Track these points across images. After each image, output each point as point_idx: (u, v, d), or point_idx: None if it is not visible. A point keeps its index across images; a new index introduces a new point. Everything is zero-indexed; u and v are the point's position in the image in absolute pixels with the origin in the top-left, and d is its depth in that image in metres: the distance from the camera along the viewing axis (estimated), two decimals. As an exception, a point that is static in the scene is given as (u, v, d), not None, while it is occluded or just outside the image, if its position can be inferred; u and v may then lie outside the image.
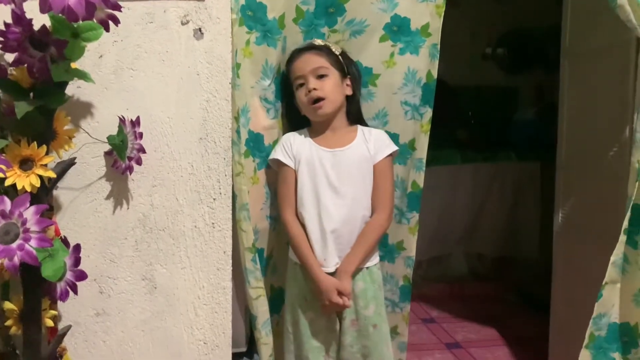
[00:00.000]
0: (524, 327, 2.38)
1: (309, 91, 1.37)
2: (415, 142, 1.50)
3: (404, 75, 1.47)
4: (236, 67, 1.31)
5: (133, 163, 1.19)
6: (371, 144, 1.41)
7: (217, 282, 1.29)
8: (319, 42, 1.43)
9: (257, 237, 1.46)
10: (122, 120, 1.16)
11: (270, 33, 1.41)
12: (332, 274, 1.37)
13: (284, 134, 1.50)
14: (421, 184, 1.51)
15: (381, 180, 1.41)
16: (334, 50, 1.42)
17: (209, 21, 1.24)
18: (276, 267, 1.58)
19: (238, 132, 1.33)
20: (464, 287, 2.90)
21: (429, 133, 1.49)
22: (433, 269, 2.95)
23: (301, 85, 1.39)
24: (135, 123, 1.18)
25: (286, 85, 1.46)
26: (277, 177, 1.45)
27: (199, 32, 1.24)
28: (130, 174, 1.21)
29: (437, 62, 1.45)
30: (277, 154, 1.42)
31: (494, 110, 3.42)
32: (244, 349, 1.58)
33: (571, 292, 1.81)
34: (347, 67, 1.43)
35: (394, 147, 1.44)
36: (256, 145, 1.44)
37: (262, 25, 1.39)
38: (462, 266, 3.09)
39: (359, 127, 1.45)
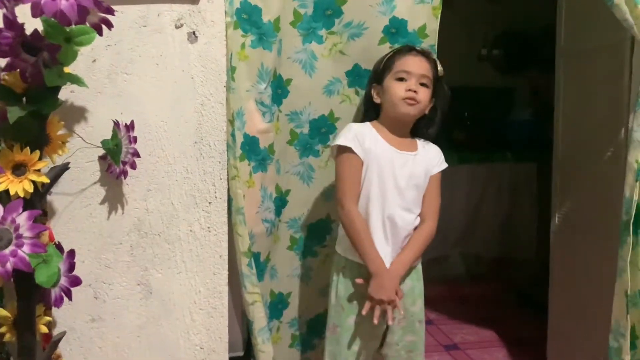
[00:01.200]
0: (522, 328, 2.38)
1: (409, 90, 1.36)
2: None
3: None
4: (231, 70, 1.31)
5: (127, 167, 1.18)
6: (431, 155, 1.44)
7: (213, 287, 1.29)
8: (432, 54, 1.43)
9: (253, 241, 1.45)
10: (116, 125, 1.15)
11: (265, 36, 1.40)
12: None
13: (276, 135, 1.50)
14: None
15: (434, 191, 1.44)
16: (439, 69, 1.42)
17: (203, 24, 1.24)
18: (276, 272, 1.57)
19: (233, 135, 1.32)
20: (461, 288, 2.90)
21: None
22: (430, 271, 2.92)
23: (402, 79, 1.37)
24: (130, 127, 1.17)
25: (379, 70, 1.42)
26: (338, 163, 1.41)
27: (193, 36, 1.23)
28: (125, 178, 1.20)
29: None
30: (349, 142, 1.37)
31: (490, 111, 3.42)
32: (240, 354, 1.57)
33: (569, 292, 1.81)
34: (438, 89, 1.43)
35: (446, 164, 1.47)
36: (252, 148, 1.44)
37: (257, 29, 1.39)
38: (460, 267, 3.09)
39: (417, 138, 1.46)
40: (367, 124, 1.43)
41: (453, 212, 2.97)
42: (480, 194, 3.06)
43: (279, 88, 1.49)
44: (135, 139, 1.18)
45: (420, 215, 1.42)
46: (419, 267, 1.47)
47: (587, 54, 1.73)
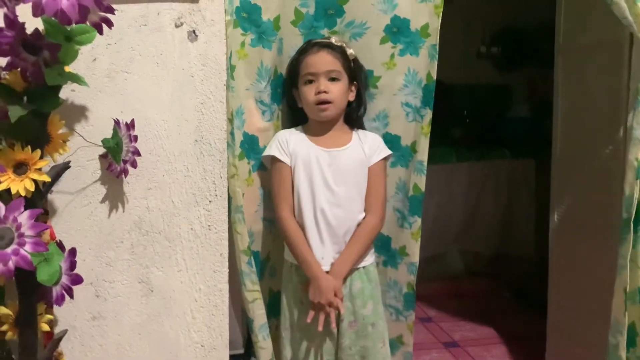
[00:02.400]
0: (521, 325, 2.38)
1: (319, 92, 1.36)
2: (416, 144, 1.50)
3: (405, 76, 1.47)
4: (231, 69, 1.31)
5: (128, 166, 1.18)
6: (366, 146, 1.42)
7: (213, 285, 1.29)
8: (337, 41, 1.41)
9: (253, 239, 1.46)
10: (116, 123, 1.15)
11: (265, 35, 1.41)
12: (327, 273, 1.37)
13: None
14: (422, 187, 1.51)
15: (375, 183, 1.41)
16: (349, 54, 1.41)
17: (203, 23, 1.24)
18: (275, 270, 1.57)
19: (232, 134, 1.33)
20: (460, 285, 2.91)
21: (429, 135, 1.49)
22: (429, 268, 2.94)
23: (310, 81, 1.38)
24: (130, 126, 1.17)
25: (291, 75, 1.44)
26: (271, 174, 1.44)
27: (193, 34, 1.23)
28: (126, 176, 1.20)
29: (436, 62, 1.45)
30: (273, 150, 1.40)
31: (488, 108, 3.43)
32: (241, 352, 1.58)
33: (567, 289, 1.82)
34: (356, 73, 1.43)
35: (388, 152, 1.45)
36: (251, 147, 1.44)
37: (256, 27, 1.39)
38: (458, 264, 3.10)
39: (355, 129, 1.45)
40: (293, 128, 1.45)
41: (451, 209, 2.98)
42: (478, 191, 3.07)
43: (280, 87, 1.49)
44: (135, 138, 1.18)
45: (365, 208, 1.41)
46: (371, 267, 1.44)
47: (585, 50, 1.73)
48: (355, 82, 1.43)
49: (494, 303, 2.71)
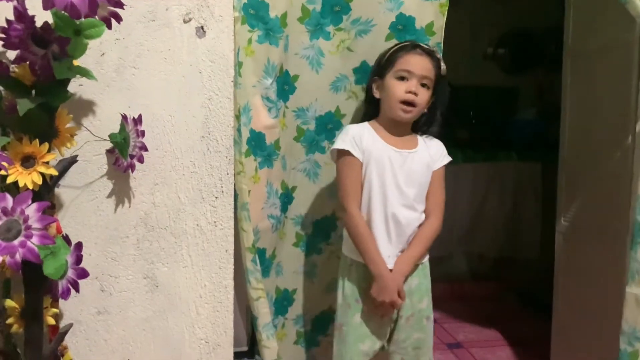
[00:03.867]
0: (525, 328, 2.38)
1: (409, 91, 1.35)
2: None
3: None
4: (238, 65, 1.31)
5: (135, 161, 1.18)
6: (432, 151, 1.44)
7: (218, 281, 1.29)
8: (437, 53, 1.42)
9: (259, 237, 1.45)
10: (124, 118, 1.15)
11: (272, 31, 1.40)
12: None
13: (282, 131, 1.50)
14: None
15: (437, 187, 1.44)
16: (442, 69, 1.41)
17: (211, 19, 1.24)
18: (282, 268, 1.57)
19: (239, 130, 1.33)
20: (464, 287, 2.90)
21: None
22: (434, 270, 2.93)
23: (403, 78, 1.37)
24: (137, 121, 1.17)
25: (382, 64, 1.42)
26: (339, 167, 1.42)
27: (201, 30, 1.23)
28: (132, 172, 1.20)
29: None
30: (347, 145, 1.38)
31: (495, 110, 3.42)
32: (245, 349, 1.58)
33: (573, 293, 1.81)
34: (438, 88, 1.43)
35: (449, 158, 1.47)
36: (257, 144, 1.44)
37: (264, 24, 1.39)
38: (463, 266, 3.09)
39: (419, 134, 1.46)
40: (365, 124, 1.43)
41: (457, 211, 2.96)
42: (484, 193, 3.06)
43: (286, 84, 1.49)
44: (142, 133, 1.18)
45: (424, 211, 1.42)
46: (426, 263, 1.46)
47: (594, 53, 1.72)
48: (433, 95, 1.43)
49: (498, 305, 2.70)
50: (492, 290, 2.88)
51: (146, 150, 1.20)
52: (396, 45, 1.42)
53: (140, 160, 1.19)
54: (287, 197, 1.56)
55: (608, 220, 1.61)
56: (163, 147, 1.24)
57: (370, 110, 1.46)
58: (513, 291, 2.84)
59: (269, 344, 1.44)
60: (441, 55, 1.45)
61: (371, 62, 1.48)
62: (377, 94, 1.42)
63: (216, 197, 1.27)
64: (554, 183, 1.92)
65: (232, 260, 1.30)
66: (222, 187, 1.27)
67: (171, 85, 1.23)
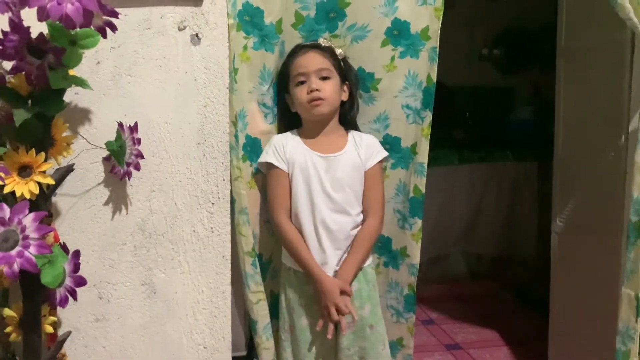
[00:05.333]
0: (523, 327, 2.38)
1: (311, 90, 1.36)
2: (416, 146, 1.50)
3: (405, 78, 1.48)
4: (234, 72, 1.32)
5: (131, 168, 1.19)
6: (362, 150, 1.42)
7: (216, 287, 1.30)
8: (324, 42, 1.43)
9: (256, 241, 1.46)
10: (120, 126, 1.16)
11: (267, 38, 1.41)
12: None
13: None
14: (423, 189, 1.51)
15: (372, 186, 1.42)
16: (338, 53, 1.42)
17: (206, 27, 1.24)
18: (276, 273, 1.58)
19: (236, 136, 1.33)
20: (462, 287, 2.91)
21: (429, 137, 1.49)
22: (432, 270, 2.95)
23: (301, 82, 1.38)
24: (133, 129, 1.18)
25: (282, 79, 1.44)
26: (267, 180, 1.44)
27: (196, 38, 1.24)
28: (129, 179, 1.21)
29: (436, 65, 1.45)
30: (270, 157, 1.40)
31: (491, 110, 3.43)
32: (243, 353, 1.58)
33: (570, 292, 1.82)
34: (347, 73, 1.44)
35: (384, 153, 1.45)
36: (254, 149, 1.44)
37: (259, 30, 1.40)
38: (461, 266, 3.10)
39: (350, 132, 1.46)
40: (290, 132, 1.44)
41: (454, 211, 2.98)
42: (481, 193, 3.07)
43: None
44: (139, 141, 1.19)
45: (363, 212, 1.41)
46: (368, 269, 1.44)
47: (587, 52, 1.73)
48: (347, 82, 1.44)
49: (496, 305, 2.71)
50: (490, 289, 2.89)
51: (142, 157, 1.20)
52: (285, 57, 1.44)
53: (137, 167, 1.20)
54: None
55: (603, 219, 1.62)
56: (159, 154, 1.24)
57: (293, 124, 1.47)
58: (511, 290, 2.84)
59: (269, 345, 1.44)
60: (437, 58, 1.45)
61: (367, 67, 1.48)
62: (293, 109, 1.44)
63: (213, 203, 1.28)
64: (551, 182, 1.93)
65: (230, 265, 1.31)
66: (218, 193, 1.28)
67: (167, 93, 1.24)
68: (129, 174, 1.19)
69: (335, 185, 1.38)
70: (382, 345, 1.44)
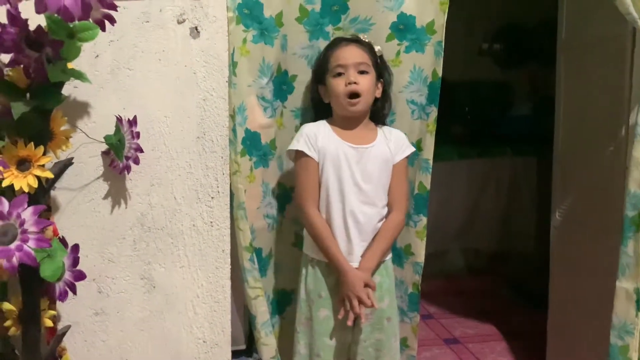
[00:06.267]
0: (521, 322, 2.39)
1: (349, 83, 1.36)
2: (422, 142, 1.50)
3: (410, 73, 1.47)
4: (233, 65, 1.31)
5: (130, 162, 1.19)
6: (392, 144, 1.42)
7: (215, 281, 1.30)
8: (364, 37, 1.43)
9: (255, 236, 1.46)
10: (119, 120, 1.16)
11: (267, 31, 1.40)
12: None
13: (279, 130, 1.50)
14: (428, 185, 1.50)
15: (399, 180, 1.42)
16: (376, 50, 1.42)
17: (205, 20, 1.24)
18: (280, 268, 1.57)
19: (234, 130, 1.33)
20: (461, 283, 2.92)
21: (434, 133, 1.48)
22: (430, 265, 2.93)
23: (339, 74, 1.38)
24: (133, 122, 1.17)
25: (318, 70, 1.44)
26: (295, 168, 1.43)
27: (195, 31, 1.23)
28: (128, 173, 1.20)
29: (441, 59, 1.45)
30: (301, 145, 1.38)
31: (490, 105, 3.43)
32: (243, 347, 1.58)
33: (569, 287, 1.82)
34: (382, 70, 1.44)
35: (412, 149, 1.45)
36: (253, 143, 1.44)
37: (258, 24, 1.39)
38: (459, 262, 3.11)
39: (380, 126, 1.46)
40: (322, 122, 1.44)
41: (452, 206, 2.98)
42: (479, 188, 3.07)
43: (284, 84, 1.49)
44: (138, 134, 1.18)
45: (387, 205, 1.42)
46: (388, 262, 1.45)
47: (588, 47, 1.73)
48: (381, 80, 1.44)
49: (494, 300, 2.72)
50: (489, 284, 2.90)
51: (141, 151, 1.20)
52: (324, 48, 1.44)
53: (136, 161, 1.20)
54: (284, 197, 1.56)
55: (602, 214, 1.62)
56: (159, 148, 1.24)
57: (323, 115, 1.46)
58: (509, 285, 2.85)
59: (268, 341, 1.45)
60: (442, 52, 1.44)
61: None
62: (326, 100, 1.43)
63: (212, 197, 1.28)
64: (550, 177, 1.93)
65: (229, 260, 1.31)
66: (218, 187, 1.28)
67: (166, 86, 1.23)
68: (128, 168, 1.19)
69: (366, 176, 1.38)
70: (394, 337, 1.45)
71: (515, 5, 3.39)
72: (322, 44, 1.47)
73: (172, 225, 1.26)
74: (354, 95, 1.36)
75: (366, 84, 1.37)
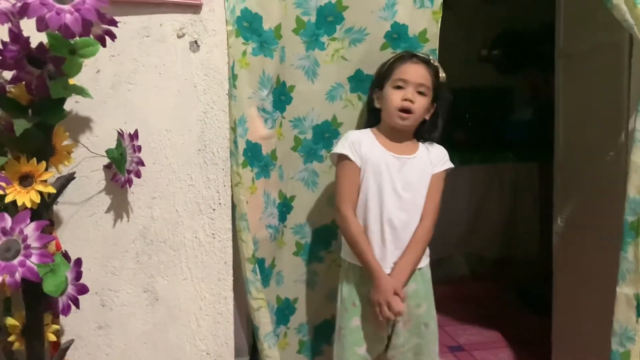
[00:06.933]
0: (526, 328, 2.38)
1: (405, 99, 1.38)
2: None
3: None
4: (233, 78, 1.32)
5: (132, 176, 1.19)
6: (433, 156, 1.45)
7: (218, 293, 1.30)
8: (433, 60, 1.44)
9: (257, 246, 1.46)
10: (120, 134, 1.16)
11: (266, 43, 1.41)
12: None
13: (279, 141, 1.51)
14: None
15: (434, 191, 1.44)
16: (440, 76, 1.44)
17: (205, 33, 1.25)
18: (282, 278, 1.58)
19: (235, 142, 1.33)
20: (465, 289, 2.91)
21: None
22: (434, 271, 2.92)
23: (399, 87, 1.40)
24: (134, 136, 1.18)
25: (380, 75, 1.45)
26: (337, 171, 1.44)
27: (195, 45, 1.24)
28: (130, 186, 1.21)
29: None
30: (346, 149, 1.41)
31: (491, 111, 3.43)
32: (246, 359, 1.58)
33: (572, 292, 1.82)
34: (439, 95, 1.45)
35: (451, 165, 1.48)
36: (254, 155, 1.45)
37: (258, 36, 1.40)
38: (463, 268, 3.10)
39: (421, 141, 1.47)
40: (367, 130, 1.46)
41: (455, 212, 2.97)
42: (482, 194, 3.07)
43: (283, 95, 1.50)
44: (139, 148, 1.19)
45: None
46: (425, 269, 1.47)
47: (586, 54, 1.74)
48: (434, 104, 1.45)
49: (498, 306, 2.71)
50: (492, 290, 2.89)
51: (143, 165, 1.21)
52: (394, 56, 1.45)
53: (138, 175, 1.20)
54: (285, 207, 1.57)
55: (604, 219, 1.62)
56: (160, 161, 1.25)
57: (372, 120, 1.49)
58: (513, 291, 2.84)
59: (271, 353, 1.44)
60: (437, 61, 1.46)
61: (365, 70, 1.50)
62: (377, 104, 1.45)
63: (214, 209, 1.28)
64: (552, 183, 1.93)
65: (231, 271, 1.31)
66: (219, 199, 1.28)
67: (167, 100, 1.24)
68: (130, 182, 1.19)
69: (406, 185, 1.40)
70: (434, 343, 1.46)
71: (515, 11, 3.40)
72: (318, 54, 1.48)
73: (175, 238, 1.27)
74: (407, 111, 1.39)
75: (421, 104, 1.40)
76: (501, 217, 3.08)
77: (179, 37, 1.23)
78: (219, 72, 1.26)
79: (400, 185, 1.40)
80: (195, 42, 1.24)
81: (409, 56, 1.43)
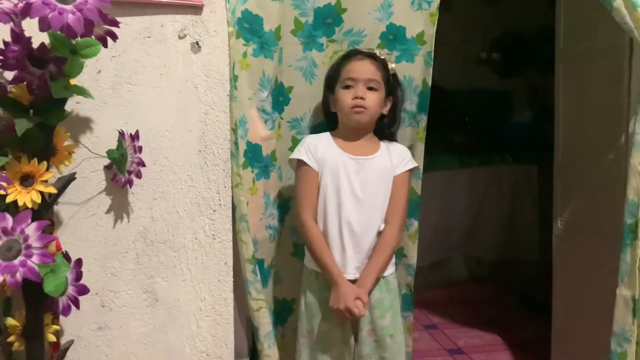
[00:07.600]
0: (526, 331, 2.38)
1: (356, 97, 1.37)
2: (412, 149, 1.52)
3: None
4: (234, 79, 1.32)
5: (133, 176, 1.19)
6: (394, 156, 1.43)
7: (218, 294, 1.30)
8: (380, 53, 1.44)
9: (257, 247, 1.46)
10: (121, 135, 1.16)
11: (267, 45, 1.42)
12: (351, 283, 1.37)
13: (278, 142, 1.51)
14: (419, 191, 1.53)
15: (397, 193, 1.42)
16: (390, 68, 1.43)
17: (206, 34, 1.25)
18: (280, 278, 1.58)
19: (236, 143, 1.34)
20: (464, 292, 2.91)
21: (424, 140, 1.51)
22: (433, 274, 2.95)
23: (348, 87, 1.39)
24: (135, 137, 1.18)
25: (330, 79, 1.45)
26: (296, 177, 1.44)
27: (196, 46, 1.25)
28: (130, 187, 1.21)
29: (431, 69, 1.48)
30: (302, 154, 1.40)
31: (490, 113, 3.44)
32: (246, 360, 1.58)
33: (572, 295, 1.82)
34: (393, 88, 1.44)
35: (414, 164, 1.46)
36: (254, 156, 1.45)
37: (258, 38, 1.40)
38: (462, 270, 3.10)
39: (384, 141, 1.46)
40: (325, 133, 1.45)
41: (454, 215, 2.98)
42: (481, 196, 3.07)
43: (281, 95, 1.51)
44: (140, 149, 1.19)
45: (385, 218, 1.41)
46: (390, 278, 1.44)
47: (586, 56, 1.74)
48: (391, 97, 1.44)
49: (498, 309, 2.71)
50: (492, 293, 2.89)
51: (144, 165, 1.21)
52: (339, 57, 1.45)
53: (138, 175, 1.20)
54: (283, 207, 1.57)
55: (604, 222, 1.62)
56: (160, 162, 1.25)
57: (331, 124, 1.48)
58: (513, 293, 2.84)
59: (270, 352, 1.44)
60: (432, 62, 1.46)
61: None
62: (333, 108, 1.44)
63: (214, 210, 1.28)
64: (551, 185, 1.93)
65: (232, 272, 1.31)
66: (219, 200, 1.28)
67: (167, 101, 1.24)
68: (131, 182, 1.19)
69: (364, 187, 1.39)
70: (401, 356, 1.44)
71: (514, 14, 3.42)
72: (315, 55, 1.49)
73: (175, 239, 1.27)
74: (360, 107, 1.38)
75: (373, 100, 1.38)
76: (500, 220, 3.08)
77: (180, 38, 1.24)
78: (220, 73, 1.26)
79: (358, 187, 1.38)
80: (197, 43, 1.24)
81: (354, 53, 1.42)
